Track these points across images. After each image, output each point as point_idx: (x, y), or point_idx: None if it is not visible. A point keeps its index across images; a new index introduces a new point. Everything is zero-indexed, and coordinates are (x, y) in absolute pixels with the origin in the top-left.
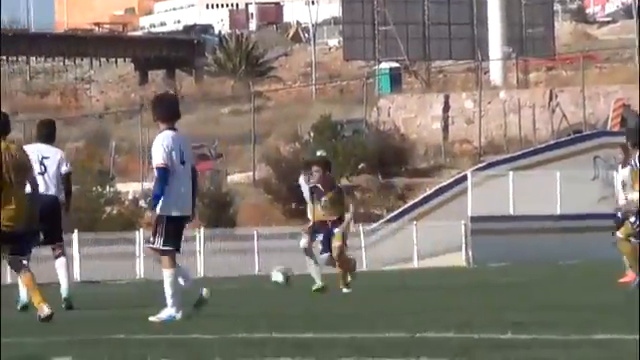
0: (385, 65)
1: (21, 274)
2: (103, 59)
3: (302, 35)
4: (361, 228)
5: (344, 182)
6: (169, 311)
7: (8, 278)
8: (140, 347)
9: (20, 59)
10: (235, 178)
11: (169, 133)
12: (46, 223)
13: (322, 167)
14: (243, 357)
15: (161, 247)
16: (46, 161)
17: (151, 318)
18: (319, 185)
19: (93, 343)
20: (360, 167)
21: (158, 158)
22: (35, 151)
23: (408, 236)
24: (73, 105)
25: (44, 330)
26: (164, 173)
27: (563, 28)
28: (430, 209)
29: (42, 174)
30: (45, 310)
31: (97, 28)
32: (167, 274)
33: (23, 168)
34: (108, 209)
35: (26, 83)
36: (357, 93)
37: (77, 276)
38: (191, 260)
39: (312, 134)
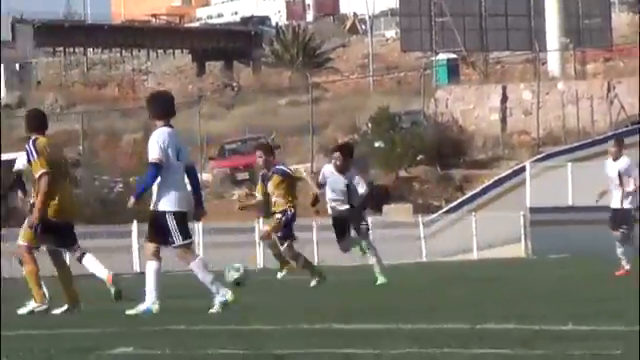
0: (442, 56)
1: (58, 267)
2: (160, 50)
3: (359, 27)
4: (420, 219)
5: (402, 173)
6: (219, 298)
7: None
8: (201, 338)
9: (77, 50)
10: (293, 169)
11: (165, 130)
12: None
13: (264, 152)
14: (304, 348)
15: (183, 242)
16: None
17: (211, 310)
18: (265, 170)
19: (154, 334)
20: (419, 158)
21: (153, 153)
22: None
23: (467, 227)
24: (130, 96)
25: (105, 321)
26: (157, 169)
27: (620, 19)
28: (489, 200)
29: None
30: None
31: (154, 19)
32: (196, 266)
33: (63, 162)
34: None
35: (84, 74)
36: (415, 84)
37: (137, 267)
38: (250, 251)
39: (370, 125)
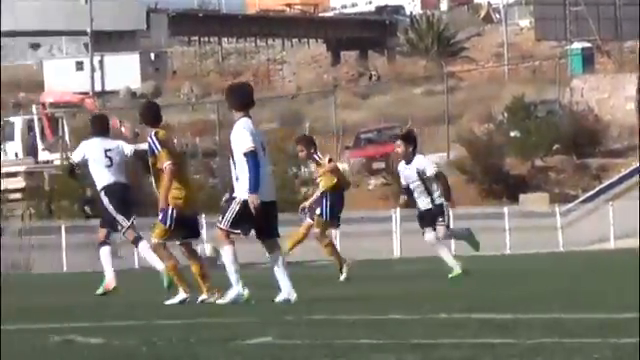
0: (577, 45)
1: (191, 260)
2: (295, 40)
3: (493, 16)
4: (557, 209)
5: (538, 163)
6: (233, 291)
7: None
8: (340, 328)
9: (212, 40)
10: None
11: (248, 119)
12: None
13: (304, 145)
14: (443, 338)
15: (225, 228)
16: (109, 153)
17: (219, 300)
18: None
19: (293, 324)
20: (554, 148)
21: (246, 142)
22: (98, 145)
23: (604, 216)
24: (265, 86)
25: (240, 311)
26: (255, 157)
27: None
28: (626, 189)
29: (109, 166)
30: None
31: (288, 9)
32: (225, 252)
33: (181, 153)
34: (304, 190)
35: (219, 64)
36: (549, 73)
37: None
38: (387, 240)
39: (505, 115)
